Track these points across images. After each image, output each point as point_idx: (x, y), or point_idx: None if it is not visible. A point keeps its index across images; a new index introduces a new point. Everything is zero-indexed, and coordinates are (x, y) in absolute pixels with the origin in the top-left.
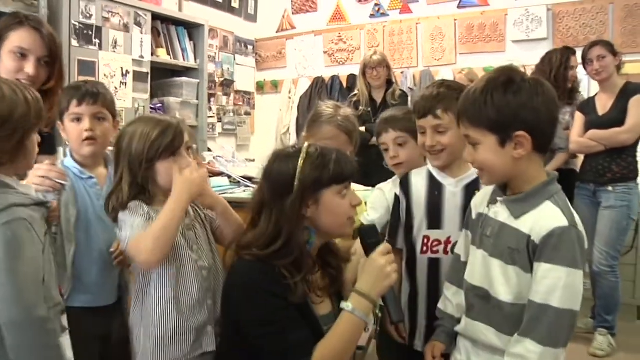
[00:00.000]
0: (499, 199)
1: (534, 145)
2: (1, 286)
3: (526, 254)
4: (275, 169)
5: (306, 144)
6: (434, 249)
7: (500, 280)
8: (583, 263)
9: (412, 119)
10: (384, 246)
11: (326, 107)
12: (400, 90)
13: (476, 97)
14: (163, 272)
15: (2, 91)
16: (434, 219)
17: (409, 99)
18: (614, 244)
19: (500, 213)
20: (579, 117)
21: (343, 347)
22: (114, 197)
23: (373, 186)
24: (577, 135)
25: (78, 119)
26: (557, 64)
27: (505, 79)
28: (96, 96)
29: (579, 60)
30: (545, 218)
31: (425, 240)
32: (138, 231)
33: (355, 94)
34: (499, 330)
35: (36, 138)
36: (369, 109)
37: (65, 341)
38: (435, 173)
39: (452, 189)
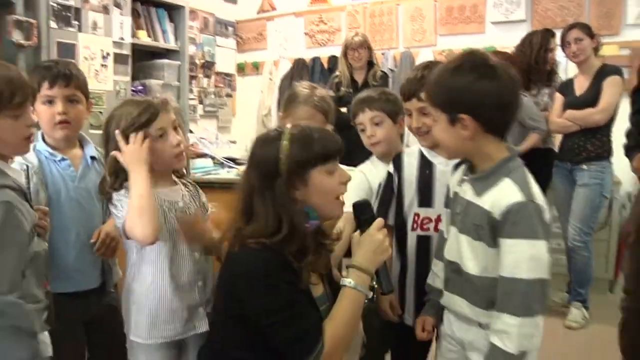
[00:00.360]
0: (464, 177)
1: (483, 128)
2: None
3: (489, 230)
4: (259, 154)
5: (289, 126)
6: (425, 226)
7: (469, 255)
8: (545, 233)
9: (387, 99)
10: (380, 221)
11: (302, 87)
12: (382, 71)
13: (435, 77)
14: (158, 251)
15: None
16: (425, 196)
17: (390, 80)
18: (588, 220)
19: (467, 191)
20: (559, 98)
21: (350, 322)
22: (109, 180)
23: (355, 166)
24: (555, 115)
25: (50, 102)
26: (537, 47)
27: (457, 63)
28: (69, 78)
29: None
30: (503, 195)
31: (416, 218)
32: None
33: (337, 75)
34: (470, 302)
35: (29, 118)
36: (351, 90)
37: (45, 339)
38: (426, 152)
39: (443, 167)
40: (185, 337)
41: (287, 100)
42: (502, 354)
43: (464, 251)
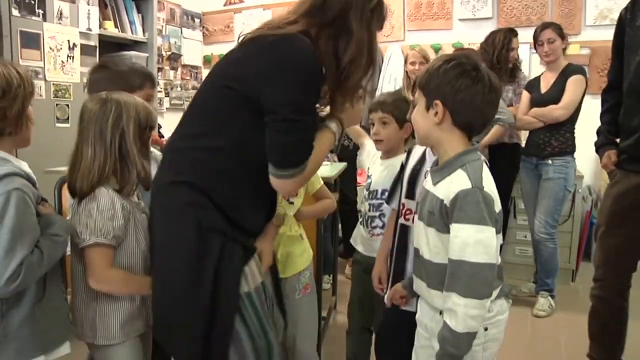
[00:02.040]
0: (429, 169)
1: (452, 119)
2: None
3: (440, 216)
4: None
5: None
6: (407, 216)
7: (424, 240)
8: (492, 222)
9: (399, 106)
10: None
11: None
12: None
13: (428, 66)
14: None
15: None
16: (410, 189)
17: None
18: (552, 213)
19: (428, 182)
20: (525, 95)
21: (322, 154)
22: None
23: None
24: (521, 112)
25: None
26: (500, 46)
27: (449, 58)
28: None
29: (524, 39)
30: (454, 183)
31: (402, 207)
32: None
33: None
34: (428, 286)
35: (32, 111)
36: None
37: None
38: (428, 150)
39: (429, 165)
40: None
41: None
42: (449, 331)
43: (421, 237)
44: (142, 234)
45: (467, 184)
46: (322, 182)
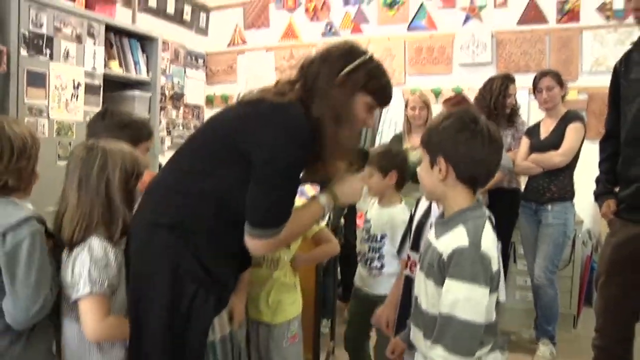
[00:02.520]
0: (434, 220)
1: (455, 174)
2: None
3: (438, 270)
4: None
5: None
6: (412, 268)
7: (423, 291)
8: (487, 281)
9: (383, 156)
10: (367, 172)
11: None
12: None
13: (430, 123)
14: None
15: (11, 128)
16: (415, 241)
17: None
18: (552, 258)
19: (431, 233)
20: (525, 141)
21: (304, 226)
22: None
23: None
24: (520, 158)
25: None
26: (497, 92)
27: (449, 114)
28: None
29: (523, 84)
30: (453, 239)
31: (407, 259)
32: None
33: None
34: (424, 335)
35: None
36: None
37: None
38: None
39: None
40: None
41: None
42: None
43: (421, 287)
44: None
45: (464, 241)
46: (322, 225)
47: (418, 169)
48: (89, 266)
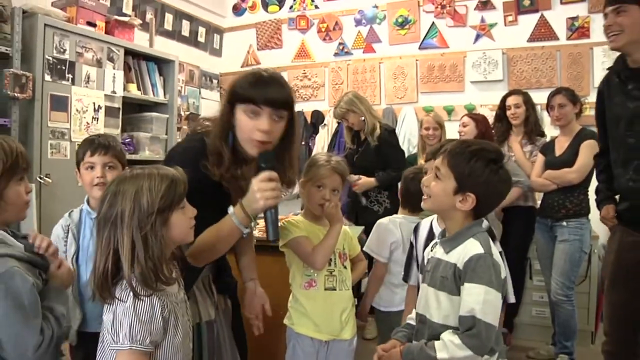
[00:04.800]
0: (437, 241)
1: (475, 207)
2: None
3: (453, 279)
4: None
5: None
6: None
7: (434, 305)
8: (499, 287)
9: None
10: (265, 174)
11: (320, 155)
12: (385, 128)
13: (464, 151)
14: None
15: None
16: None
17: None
18: (569, 274)
19: (438, 252)
20: (540, 158)
21: (215, 242)
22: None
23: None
24: (535, 175)
25: (91, 167)
26: (499, 106)
27: (477, 148)
28: (107, 148)
29: (536, 101)
30: (467, 249)
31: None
32: None
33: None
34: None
35: (24, 188)
36: (354, 146)
37: None
38: (435, 225)
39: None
40: None
41: (308, 165)
42: (429, 352)
43: (431, 302)
44: (181, 330)
45: (479, 250)
46: (359, 247)
47: (425, 180)
48: (131, 317)
